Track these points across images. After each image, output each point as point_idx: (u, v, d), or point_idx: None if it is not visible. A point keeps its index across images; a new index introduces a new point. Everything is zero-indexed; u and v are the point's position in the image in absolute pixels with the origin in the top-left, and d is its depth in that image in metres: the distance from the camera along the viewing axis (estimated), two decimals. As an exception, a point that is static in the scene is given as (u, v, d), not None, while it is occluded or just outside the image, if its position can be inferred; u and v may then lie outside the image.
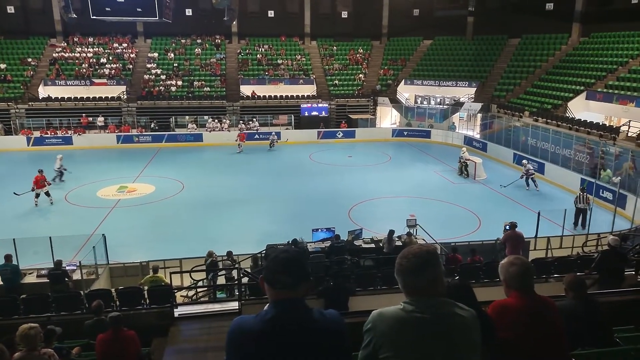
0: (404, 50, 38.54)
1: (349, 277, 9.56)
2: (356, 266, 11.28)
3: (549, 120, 25.43)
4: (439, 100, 34.05)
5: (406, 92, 34.92)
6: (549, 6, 33.33)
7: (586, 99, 26.00)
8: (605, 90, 25.33)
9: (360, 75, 36.80)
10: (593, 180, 18.87)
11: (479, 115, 31.00)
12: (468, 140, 29.79)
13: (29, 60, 34.10)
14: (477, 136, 30.25)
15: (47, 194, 18.65)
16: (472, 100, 32.03)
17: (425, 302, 2.00)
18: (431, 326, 1.97)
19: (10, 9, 35.17)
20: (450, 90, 33.70)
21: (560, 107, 26.62)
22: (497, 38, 35.98)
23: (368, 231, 14.26)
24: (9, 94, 31.58)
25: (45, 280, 10.49)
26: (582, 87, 26.58)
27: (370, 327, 2.03)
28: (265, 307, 2.05)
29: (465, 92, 32.82)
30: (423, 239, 12.98)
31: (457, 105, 32.58)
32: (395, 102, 34.39)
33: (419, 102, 34.51)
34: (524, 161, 21.81)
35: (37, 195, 18.40)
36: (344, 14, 39.35)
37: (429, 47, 37.96)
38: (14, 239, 11.31)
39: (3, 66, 33.20)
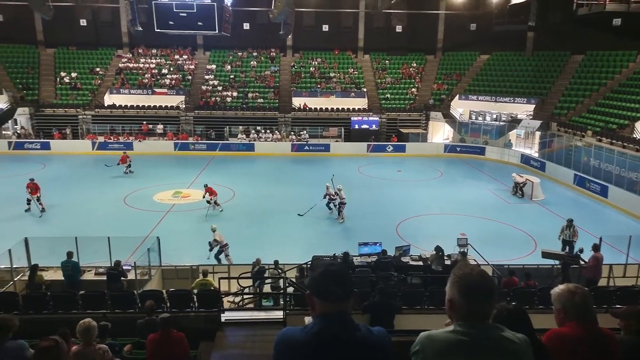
0: (460, 64, 37.86)
1: (395, 294, 9.37)
2: (403, 283, 11.05)
3: (613, 141, 24.00)
4: (495, 116, 33.06)
5: (460, 107, 34.18)
6: (616, 21, 31.65)
7: (656, 119, 24.42)
8: (678, 110, 23.68)
9: (413, 89, 36.46)
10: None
11: (538, 133, 29.79)
12: (525, 159, 28.68)
13: (97, 69, 36.33)
14: (535, 155, 29.06)
15: (39, 200, 18.51)
16: (531, 117, 30.84)
17: (478, 326, 1.92)
18: (483, 352, 1.88)
19: (83, 22, 37.72)
20: (508, 106, 32.66)
21: (626, 127, 25.09)
22: (558, 54, 34.60)
23: (416, 248, 13.96)
24: (78, 100, 33.76)
25: (103, 278, 10.99)
26: (651, 107, 24.99)
27: (418, 349, 1.97)
28: (311, 320, 2.03)
29: (523, 109, 31.69)
30: (474, 260, 12.54)
31: (514, 122, 31.49)
32: (448, 117, 33.74)
33: (474, 118, 33.65)
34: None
35: (29, 202, 18.47)
36: (398, 28, 39.26)
37: (486, 62, 37.07)
38: (75, 237, 11.95)
39: (74, 75, 35.56)
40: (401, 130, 33.38)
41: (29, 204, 18.57)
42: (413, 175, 26.54)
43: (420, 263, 12.71)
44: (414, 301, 9.30)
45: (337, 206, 18.30)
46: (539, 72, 34.15)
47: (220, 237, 13.72)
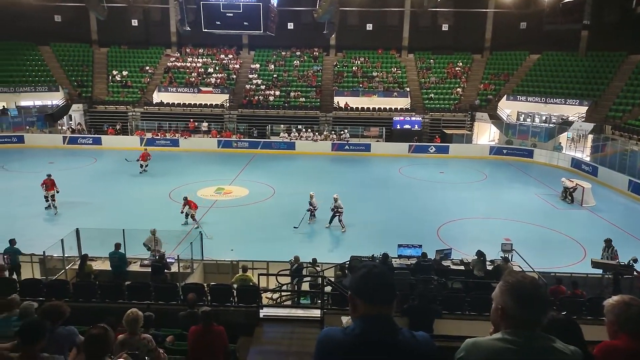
0: (508, 64, 36.70)
1: (435, 298, 9.18)
2: (443, 287, 10.83)
3: (674, 146, 22.64)
4: (544, 118, 31.83)
5: (508, 109, 33.12)
6: (679, 20, 29.76)
7: None
8: None
9: (458, 89, 35.64)
10: None
11: (590, 136, 28.46)
12: (576, 163, 27.45)
13: (147, 68, 37.65)
14: (587, 159, 27.76)
15: (53, 197, 18.44)
16: (583, 119, 29.50)
17: (527, 335, 1.86)
18: None
19: (134, 22, 39.20)
20: (558, 108, 31.37)
21: (689, 131, 23.58)
22: (614, 54, 32.90)
23: (458, 252, 13.64)
24: (128, 98, 35.12)
25: (147, 269, 11.37)
26: None
27: (463, 355, 1.92)
28: (350, 320, 2.01)
29: (575, 111, 30.35)
30: (519, 266, 12.12)
31: (565, 124, 30.21)
32: (495, 118, 32.77)
33: (522, 119, 32.53)
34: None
35: (47, 199, 18.42)
36: (445, 27, 38.49)
37: (536, 62, 35.75)
38: (123, 230, 12.43)
39: (125, 73, 37.01)
40: (445, 130, 32.70)
41: (47, 201, 18.41)
42: (456, 178, 25.95)
43: (462, 267, 12.43)
44: (454, 306, 9.09)
45: (337, 216, 17.10)
46: (593, 73, 32.62)
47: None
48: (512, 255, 12.74)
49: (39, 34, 37.01)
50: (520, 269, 11.85)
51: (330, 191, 21.97)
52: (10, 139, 31.23)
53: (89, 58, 38.17)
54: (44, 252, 11.45)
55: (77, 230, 12.34)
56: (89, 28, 38.42)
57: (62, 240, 11.65)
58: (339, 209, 17.08)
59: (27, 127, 32.53)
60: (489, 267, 12.01)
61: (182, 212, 16.84)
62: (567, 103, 31.07)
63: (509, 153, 30.83)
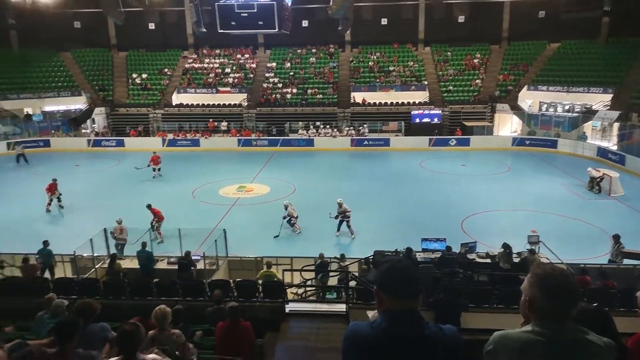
0: (527, 54, 36.02)
1: (462, 292, 9.08)
2: (469, 281, 10.70)
3: None
4: (567, 107, 31.14)
5: (529, 99, 32.52)
6: None
7: None
8: None
9: (477, 80, 35.13)
10: None
11: (616, 124, 27.74)
12: (602, 152, 26.79)
13: (166, 70, 38.12)
14: (614, 147, 27.07)
15: (59, 199, 19.14)
16: (608, 107, 28.76)
17: (558, 327, 1.82)
18: (562, 353, 1.78)
19: (151, 25, 39.73)
20: (581, 96, 30.64)
21: None
22: (637, 40, 31.97)
23: (483, 245, 13.47)
24: (148, 100, 35.64)
25: (174, 267, 11.54)
26: None
27: (491, 348, 1.89)
28: (376, 314, 2.01)
29: (598, 99, 29.62)
30: (547, 258, 11.91)
31: (589, 113, 29.51)
32: (516, 108, 32.21)
33: (544, 109, 31.89)
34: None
35: (50, 202, 18.97)
36: (461, 19, 37.97)
37: (556, 50, 35.01)
38: (149, 229, 12.63)
39: (144, 76, 37.55)
40: (465, 123, 32.28)
41: (59, 201, 19.09)
42: (478, 170, 25.61)
43: (488, 260, 12.27)
44: (481, 299, 8.97)
45: (345, 222, 15.93)
46: (615, 60, 31.76)
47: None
48: (539, 247, 12.52)
49: (60, 40, 37.85)
50: (548, 261, 11.65)
51: (351, 187, 22.04)
52: (37, 143, 32.05)
53: (109, 62, 38.85)
54: (74, 251, 11.73)
55: (105, 230, 12.60)
56: (107, 33, 39.08)
57: (91, 239, 11.92)
58: (346, 213, 15.86)
59: (53, 132, 33.37)
60: (516, 260, 11.83)
61: (151, 224, 15.12)
62: (590, 91, 30.35)
63: (532, 144, 30.27)
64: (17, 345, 3.96)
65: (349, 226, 16.01)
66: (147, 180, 23.88)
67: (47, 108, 34.52)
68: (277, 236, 15.93)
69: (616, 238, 12.72)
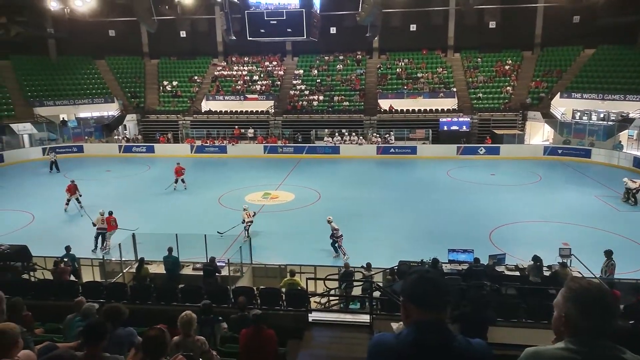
0: (560, 60, 35.16)
1: (489, 304, 8.85)
2: (497, 293, 10.43)
3: None
4: (602, 115, 30.21)
5: (562, 107, 31.69)
6: None
7: None
8: None
9: (508, 87, 34.47)
10: None
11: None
12: (638, 162, 25.84)
13: (195, 78, 38.87)
14: (651, 157, 26.09)
15: (78, 200, 19.65)
16: (645, 116, 27.78)
17: (592, 344, 1.74)
18: None
19: (183, 34, 40.65)
20: (617, 104, 29.67)
21: None
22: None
23: (512, 257, 13.12)
24: (178, 107, 36.39)
25: (199, 273, 11.66)
26: None
27: None
28: (401, 326, 1.96)
29: (635, 107, 28.62)
30: (579, 272, 11.50)
31: (625, 121, 28.54)
32: (548, 116, 31.42)
33: (578, 117, 31.00)
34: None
35: (68, 202, 19.63)
36: (492, 24, 37.43)
37: (591, 57, 34.04)
38: (176, 234, 12.81)
39: (175, 83, 38.39)
40: (495, 131, 31.68)
41: (67, 204, 19.69)
42: (508, 180, 25.05)
43: (517, 273, 11.94)
44: (509, 313, 8.72)
45: (333, 241, 14.91)
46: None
47: None
48: (570, 260, 12.12)
49: (95, 48, 39.12)
50: (580, 275, 11.25)
51: (377, 195, 21.91)
52: (71, 149, 33.12)
53: (141, 70, 39.90)
54: (103, 255, 11.99)
55: (134, 235, 12.85)
56: (140, 41, 40.19)
57: (119, 244, 12.17)
58: (333, 232, 14.70)
59: (86, 138, 34.42)
60: (546, 273, 11.48)
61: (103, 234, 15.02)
62: (626, 99, 29.36)
63: (565, 153, 29.46)
64: (46, 348, 4.07)
65: (339, 247, 14.70)
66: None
67: (81, 114, 35.71)
68: (222, 234, 14.82)
69: (608, 254, 12.01)
